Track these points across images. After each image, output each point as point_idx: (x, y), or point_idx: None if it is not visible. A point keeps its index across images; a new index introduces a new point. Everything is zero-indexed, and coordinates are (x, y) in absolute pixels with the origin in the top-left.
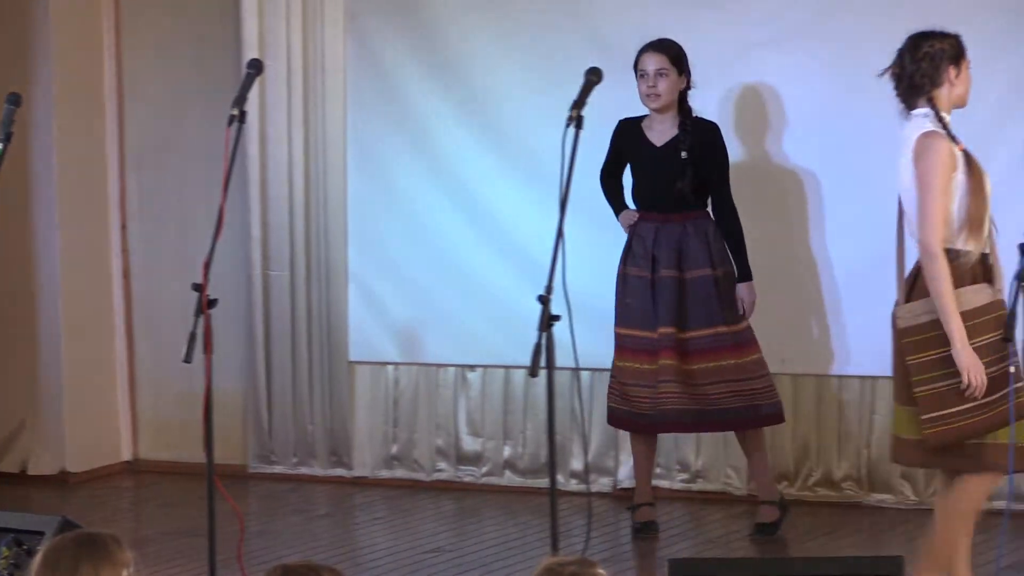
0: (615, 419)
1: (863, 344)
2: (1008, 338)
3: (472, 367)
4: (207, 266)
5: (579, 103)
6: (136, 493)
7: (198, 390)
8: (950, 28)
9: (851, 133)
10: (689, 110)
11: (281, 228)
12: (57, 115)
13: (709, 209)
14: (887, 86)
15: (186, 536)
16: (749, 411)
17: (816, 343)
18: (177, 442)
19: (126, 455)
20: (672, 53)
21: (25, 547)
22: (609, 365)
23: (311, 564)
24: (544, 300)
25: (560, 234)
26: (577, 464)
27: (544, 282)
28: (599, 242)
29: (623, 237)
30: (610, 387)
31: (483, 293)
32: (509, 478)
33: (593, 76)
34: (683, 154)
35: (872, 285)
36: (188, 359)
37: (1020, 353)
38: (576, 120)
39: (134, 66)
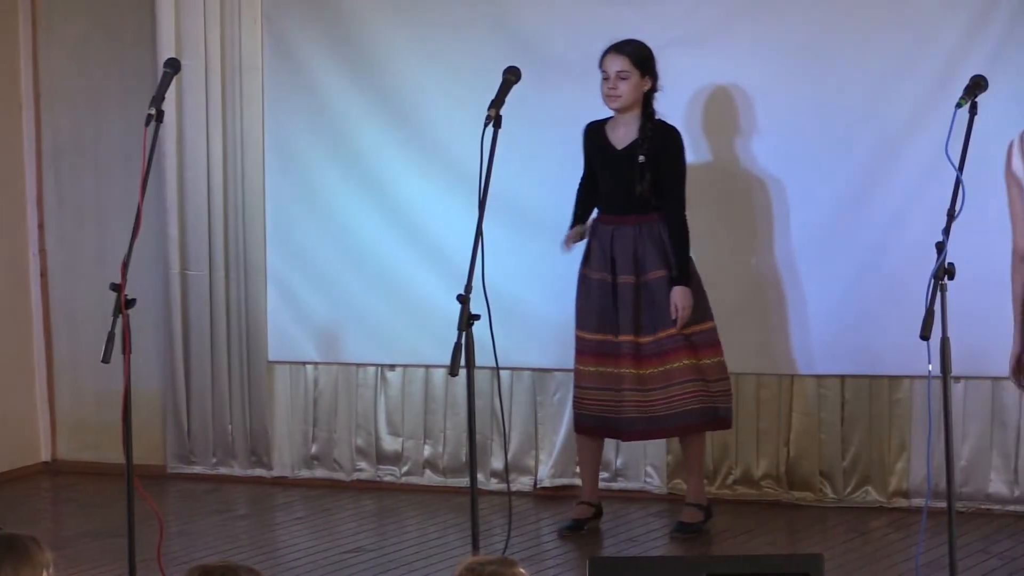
0: (580, 426)
1: (781, 343)
2: (924, 337)
3: (392, 366)
4: (125, 266)
5: (497, 102)
6: (55, 494)
7: (117, 390)
8: (875, 19)
9: (772, 132)
10: (652, 113)
11: (199, 228)
12: None
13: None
14: (805, 80)
15: (106, 537)
16: (707, 413)
17: (734, 342)
18: (96, 442)
19: (44, 456)
20: (635, 55)
21: None
22: (529, 365)
23: (230, 564)
24: (463, 299)
25: (479, 233)
26: (497, 463)
27: (463, 281)
28: (518, 242)
29: (542, 236)
30: (574, 395)
31: (402, 292)
32: (429, 477)
33: (511, 75)
34: (640, 158)
35: (791, 284)
36: (107, 359)
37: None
38: (494, 119)
39: (51, 65)
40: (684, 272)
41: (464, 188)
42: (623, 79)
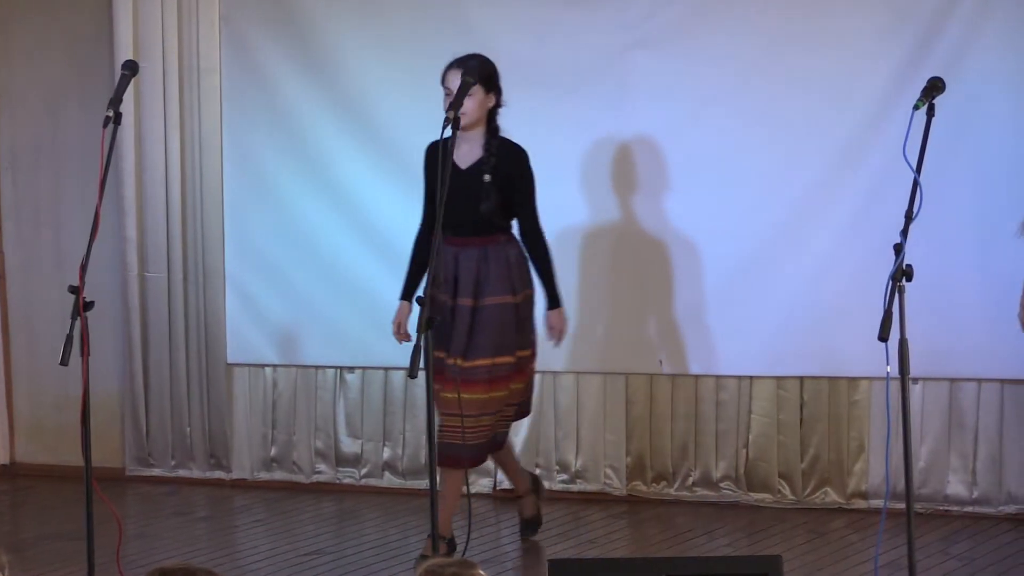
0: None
1: (740, 344)
2: (882, 338)
3: (351, 368)
4: (83, 268)
5: (456, 104)
6: (13, 496)
7: (75, 393)
8: (834, 22)
9: (729, 133)
10: (497, 129)
11: (157, 230)
12: None
13: (516, 232)
14: (766, 81)
15: (64, 539)
16: (496, 439)
17: (693, 343)
18: (54, 445)
19: (2, 458)
20: (478, 70)
21: None
22: None
23: (189, 567)
24: (422, 302)
25: (437, 234)
26: None
27: (423, 284)
28: None
29: None
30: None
31: (361, 295)
32: (389, 479)
33: (469, 78)
34: (486, 177)
35: (750, 285)
36: (65, 362)
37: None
38: (453, 122)
39: (7, 66)
40: (557, 294)
41: (422, 190)
42: (467, 94)
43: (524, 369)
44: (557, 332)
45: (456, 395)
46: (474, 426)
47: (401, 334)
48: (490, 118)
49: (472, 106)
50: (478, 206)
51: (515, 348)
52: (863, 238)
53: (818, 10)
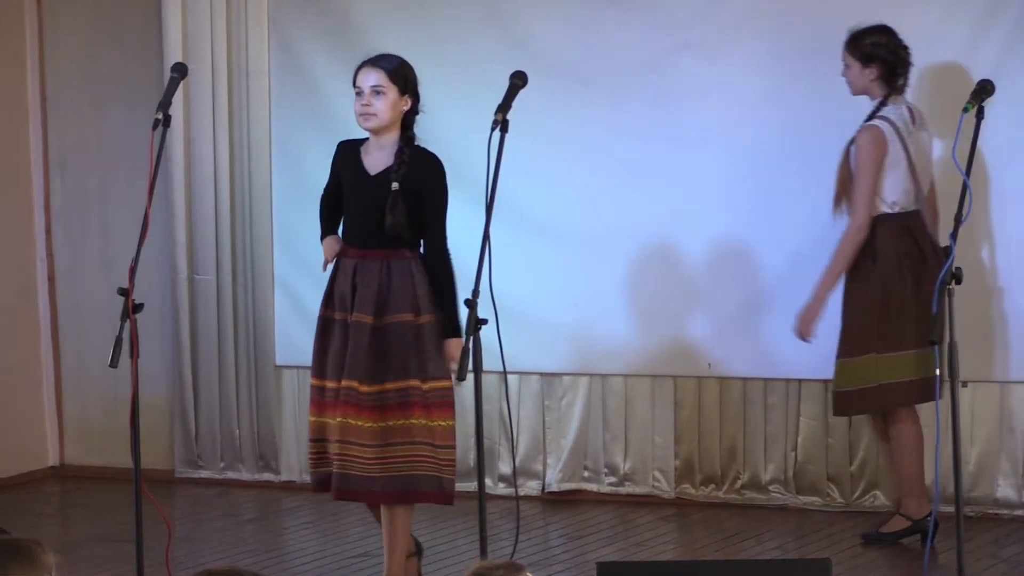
0: (313, 485)
1: (789, 347)
2: (933, 341)
3: None
4: (132, 271)
5: (504, 107)
6: (62, 498)
7: (124, 395)
8: (886, 20)
9: (775, 134)
10: (412, 137)
11: (206, 232)
12: None
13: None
14: (812, 87)
15: (113, 541)
16: (432, 482)
17: (742, 346)
18: (103, 447)
19: (52, 460)
20: (392, 69)
21: None
22: (537, 369)
23: (236, 569)
24: (471, 304)
25: (486, 238)
26: (505, 468)
27: (471, 286)
28: (525, 246)
29: (549, 240)
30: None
31: None
32: None
33: (518, 80)
34: (394, 185)
35: (799, 287)
36: (114, 364)
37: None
38: (501, 124)
39: (57, 69)
40: (457, 322)
41: (470, 192)
42: (380, 94)
43: (438, 406)
44: (454, 363)
45: (351, 422)
46: (376, 458)
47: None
48: (406, 124)
49: (383, 107)
50: (384, 216)
51: (421, 375)
52: None
53: (865, 13)
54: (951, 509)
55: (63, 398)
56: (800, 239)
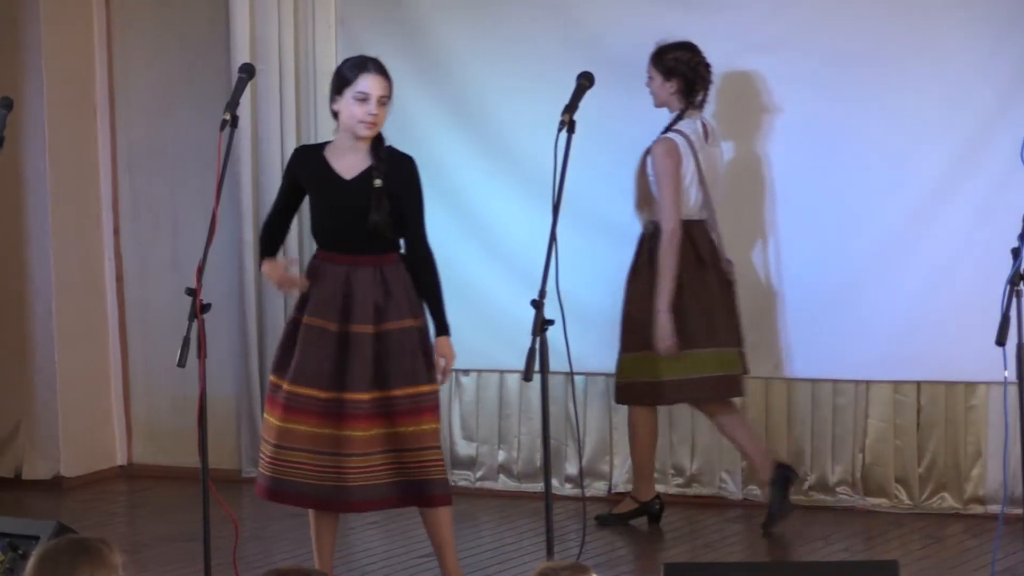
0: (270, 491)
1: (857, 348)
2: (1000, 343)
3: (466, 371)
4: (200, 271)
5: (571, 107)
6: (130, 498)
7: (192, 395)
8: (950, 25)
9: (848, 137)
10: (382, 138)
11: None
12: (49, 120)
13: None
14: (878, 89)
15: (181, 541)
16: (444, 485)
17: (810, 347)
18: (171, 446)
19: (120, 460)
20: (391, 80)
21: (20, 551)
22: (603, 370)
23: (304, 569)
24: (538, 304)
25: (553, 238)
26: (572, 468)
27: (538, 286)
28: (592, 246)
29: (616, 241)
30: (262, 452)
31: (477, 297)
32: (504, 482)
33: (585, 80)
34: (377, 182)
35: (868, 289)
36: (182, 364)
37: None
38: (568, 124)
39: (125, 70)
40: (446, 321)
41: (538, 193)
42: (383, 104)
43: (432, 409)
44: (449, 363)
45: (365, 434)
46: (385, 464)
47: (286, 281)
48: None
49: (384, 116)
50: (367, 220)
51: (427, 380)
52: (981, 242)
53: (934, 14)
54: (1019, 511)
55: (131, 398)
56: (871, 239)
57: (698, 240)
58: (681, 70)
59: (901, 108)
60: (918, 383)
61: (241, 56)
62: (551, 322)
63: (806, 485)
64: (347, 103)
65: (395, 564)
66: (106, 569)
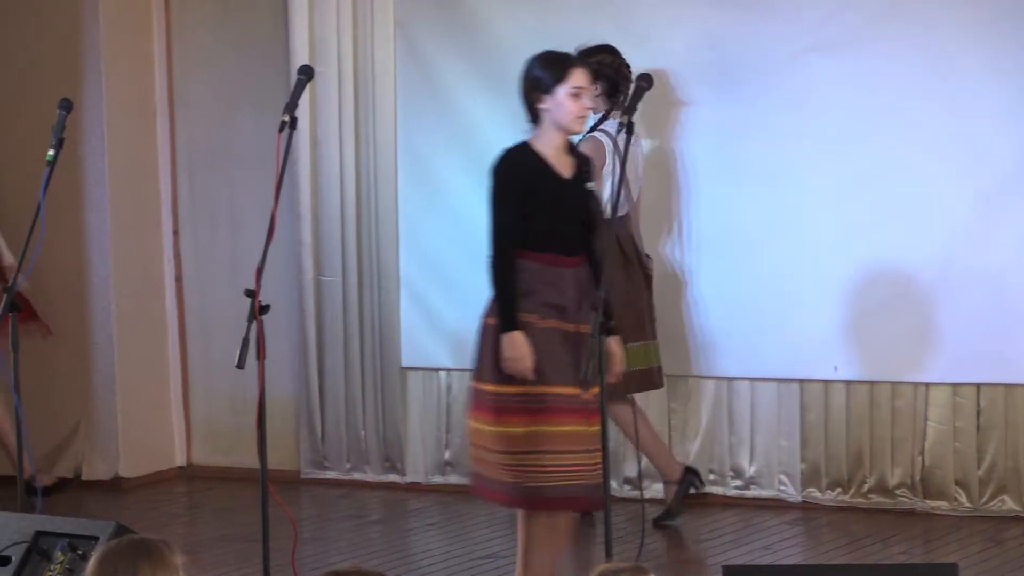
0: (532, 500)
1: (917, 351)
2: None
3: None
4: (259, 272)
5: (630, 109)
6: (189, 498)
7: (251, 396)
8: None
9: (911, 135)
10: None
11: (332, 234)
12: (108, 121)
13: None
14: (945, 87)
15: (239, 542)
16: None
17: (868, 349)
18: (230, 447)
19: (179, 460)
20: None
21: (80, 552)
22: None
23: (362, 570)
24: (594, 307)
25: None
26: (631, 470)
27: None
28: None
29: (682, 242)
30: (524, 465)
31: None
32: None
33: (644, 82)
34: (589, 185)
35: (927, 290)
36: (241, 365)
37: None
38: (627, 126)
39: (184, 71)
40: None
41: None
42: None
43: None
44: (619, 364)
45: (576, 430)
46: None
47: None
48: None
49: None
50: (581, 219)
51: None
52: None
53: (998, 13)
54: None
55: (190, 399)
56: (932, 241)
57: (622, 237)
58: (605, 72)
59: (970, 103)
60: (977, 385)
61: (300, 58)
62: (610, 326)
63: (865, 488)
64: (560, 100)
65: (453, 566)
66: (167, 570)
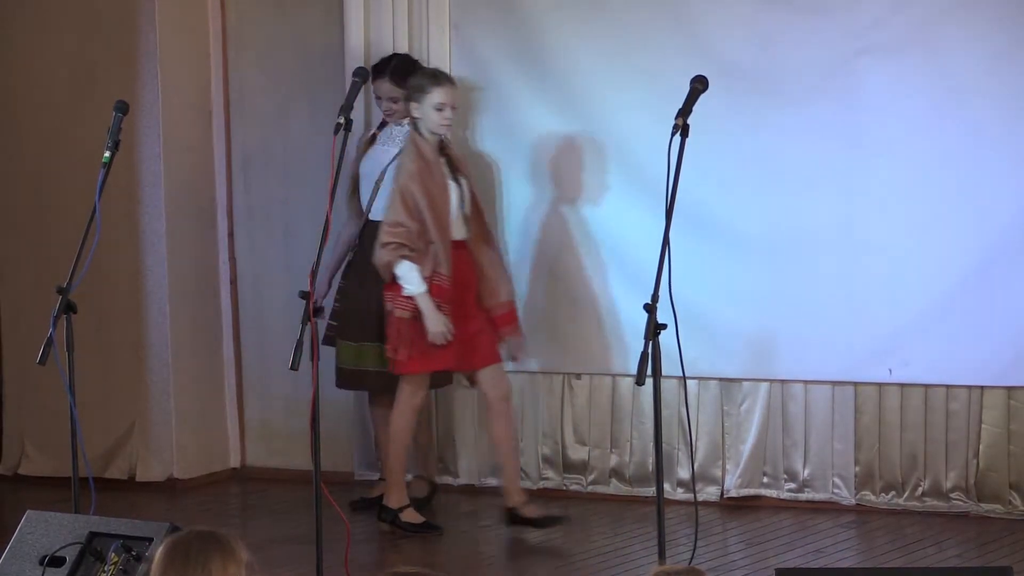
0: None
1: (971, 354)
2: None
3: (578, 375)
4: (314, 274)
5: (685, 111)
6: (243, 500)
7: (305, 397)
8: None
9: (957, 139)
10: None
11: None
12: (164, 124)
13: None
14: (995, 90)
15: (294, 543)
16: None
17: (923, 352)
18: (284, 449)
19: (234, 462)
20: None
21: (133, 553)
22: (716, 374)
23: (423, 572)
24: (650, 308)
25: (666, 242)
26: (684, 473)
27: (650, 290)
28: (706, 250)
29: (729, 245)
30: None
31: (589, 301)
32: (616, 487)
33: (699, 84)
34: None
35: (981, 293)
36: (295, 367)
37: None
38: (682, 128)
39: (240, 74)
40: None
41: (650, 197)
42: None
43: None
44: None
45: None
46: None
47: None
48: None
49: None
50: None
51: None
52: None
53: None
54: None
55: (245, 400)
56: (984, 243)
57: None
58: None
59: (1014, 111)
60: None
61: (355, 60)
62: (664, 326)
63: (920, 491)
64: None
65: (507, 567)
66: (236, 562)
